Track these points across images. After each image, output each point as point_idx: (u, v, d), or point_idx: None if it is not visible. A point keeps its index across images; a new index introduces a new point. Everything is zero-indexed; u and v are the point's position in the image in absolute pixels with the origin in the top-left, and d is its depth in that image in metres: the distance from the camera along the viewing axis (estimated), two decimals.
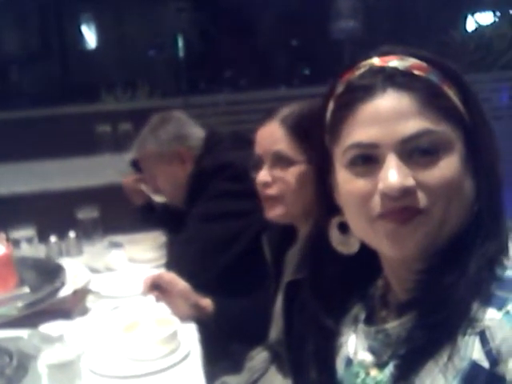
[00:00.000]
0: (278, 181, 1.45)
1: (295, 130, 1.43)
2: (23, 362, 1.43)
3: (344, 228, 0.92)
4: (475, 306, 0.77)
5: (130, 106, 3.10)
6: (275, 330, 1.59)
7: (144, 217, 2.41)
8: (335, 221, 0.93)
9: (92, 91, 3.69)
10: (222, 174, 1.92)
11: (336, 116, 0.88)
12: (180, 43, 4.34)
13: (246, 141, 1.81)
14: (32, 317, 1.42)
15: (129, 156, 2.50)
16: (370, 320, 0.95)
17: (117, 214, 2.36)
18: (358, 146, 0.83)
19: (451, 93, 0.84)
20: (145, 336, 1.48)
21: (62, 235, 2.29)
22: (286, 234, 1.56)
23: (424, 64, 0.85)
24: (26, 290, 1.37)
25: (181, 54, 4.34)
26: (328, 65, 4.41)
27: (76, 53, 4.52)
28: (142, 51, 4.42)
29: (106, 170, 2.38)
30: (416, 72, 0.84)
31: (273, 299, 1.59)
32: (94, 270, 2.07)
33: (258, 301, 1.69)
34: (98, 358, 1.46)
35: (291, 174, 1.43)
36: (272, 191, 1.47)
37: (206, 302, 1.67)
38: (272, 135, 1.47)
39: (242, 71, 4.58)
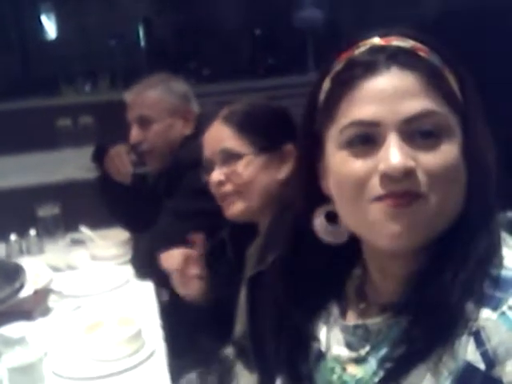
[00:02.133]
0: (230, 177, 1.47)
1: (239, 125, 1.46)
2: None
3: (331, 217, 0.88)
4: (469, 305, 0.75)
5: (90, 99, 3.03)
6: (240, 325, 1.58)
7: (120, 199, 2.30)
8: (321, 210, 0.89)
9: (52, 84, 3.60)
10: (197, 171, 1.89)
11: (333, 94, 0.83)
12: (141, 32, 4.28)
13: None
14: None
15: (90, 150, 2.45)
16: (344, 313, 0.92)
17: (78, 210, 2.32)
18: (358, 124, 0.79)
19: (451, 78, 0.82)
20: (108, 336, 1.46)
21: (22, 233, 2.24)
22: (246, 229, 1.55)
23: (425, 46, 0.82)
24: None
25: (142, 43, 4.28)
26: (293, 54, 4.41)
27: (35, 44, 4.40)
28: (102, 41, 4.32)
29: (66, 165, 2.33)
30: (419, 52, 0.81)
31: (236, 294, 1.59)
32: (55, 269, 2.03)
33: (223, 298, 1.69)
34: (60, 360, 1.44)
35: (242, 167, 1.45)
36: (227, 188, 1.48)
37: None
38: (217, 135, 1.50)
39: (205, 61, 4.54)
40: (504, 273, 0.77)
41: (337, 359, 0.89)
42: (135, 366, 1.41)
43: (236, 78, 3.83)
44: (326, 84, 0.85)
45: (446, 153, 0.78)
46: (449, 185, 0.78)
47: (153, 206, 2.08)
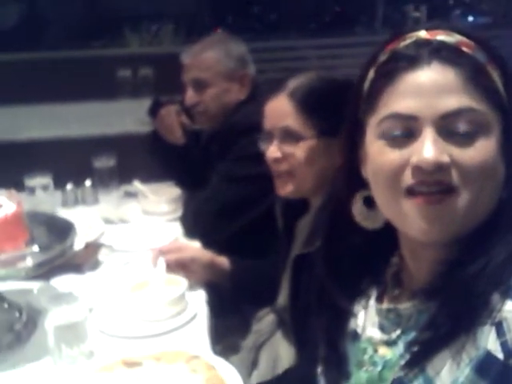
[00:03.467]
0: (288, 157, 1.44)
1: (304, 105, 1.41)
2: (33, 318, 1.46)
3: (369, 203, 0.90)
4: (495, 296, 0.76)
5: (152, 50, 3.04)
6: (283, 297, 1.60)
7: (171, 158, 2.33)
8: (360, 195, 0.91)
9: (117, 28, 3.62)
10: (250, 136, 1.88)
11: (376, 85, 0.85)
12: None
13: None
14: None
15: (148, 102, 2.47)
16: (381, 297, 0.95)
17: (133, 163, 2.35)
18: (396, 116, 0.81)
19: (494, 74, 0.82)
20: (154, 297, 1.49)
21: (78, 183, 2.30)
22: (297, 203, 1.54)
23: (471, 42, 0.83)
24: (36, 248, 1.38)
25: None
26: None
27: None
28: None
29: (124, 116, 2.35)
30: (463, 48, 0.82)
31: (283, 266, 1.59)
32: (108, 221, 2.09)
33: (270, 264, 1.70)
34: (106, 318, 1.48)
35: (301, 150, 1.41)
36: (282, 167, 1.46)
37: (222, 260, 1.69)
38: (280, 110, 1.45)
39: (271, 6, 4.44)
40: None
41: (370, 340, 0.93)
42: (177, 328, 1.44)
43: (302, 25, 3.68)
44: (371, 73, 0.87)
45: (482, 149, 0.79)
46: (483, 181, 0.79)
47: (205, 166, 2.10)
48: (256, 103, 1.98)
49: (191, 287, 1.58)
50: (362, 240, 0.94)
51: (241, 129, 1.91)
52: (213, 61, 2.08)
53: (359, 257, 0.96)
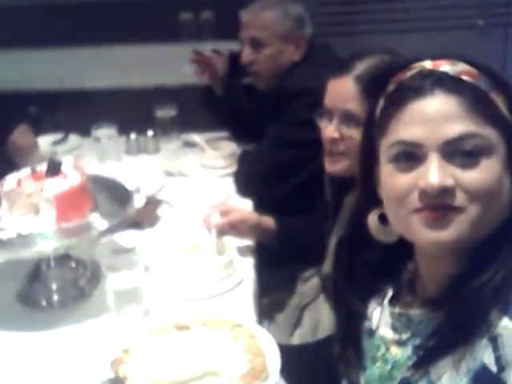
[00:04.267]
0: (346, 139, 1.45)
1: (369, 90, 1.39)
2: (96, 273, 1.61)
3: (384, 219, 0.97)
4: (494, 312, 0.83)
5: None
6: (327, 264, 1.68)
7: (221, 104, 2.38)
8: (376, 212, 0.98)
9: None
10: (303, 100, 1.91)
11: (385, 113, 0.93)
12: None
13: (334, 62, 1.78)
14: None
15: (209, 48, 2.52)
16: (395, 300, 1.03)
17: (193, 113, 2.44)
18: (403, 143, 0.88)
19: (499, 100, 0.87)
20: (205, 260, 1.61)
21: (141, 132, 2.41)
22: (346, 179, 1.57)
23: (474, 70, 0.88)
24: (99, 217, 1.51)
25: None
26: None
27: None
28: None
29: (185, 64, 2.40)
30: (465, 77, 0.87)
31: (329, 233, 1.66)
32: (168, 174, 2.21)
33: (315, 225, 1.77)
34: (160, 278, 1.61)
35: (360, 135, 1.43)
36: (339, 148, 1.47)
37: (268, 221, 1.78)
38: (344, 92, 1.44)
39: None
40: None
41: (383, 339, 1.01)
42: (224, 293, 1.56)
43: None
44: (381, 102, 0.94)
45: (486, 170, 0.84)
46: (488, 200, 0.85)
47: (260, 122, 2.15)
48: (310, 66, 2.02)
49: (240, 252, 1.69)
50: (379, 251, 1.02)
51: (294, 92, 1.95)
52: (270, 20, 2.10)
53: (376, 264, 1.04)
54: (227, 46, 2.49)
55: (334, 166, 1.52)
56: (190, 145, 2.43)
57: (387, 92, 0.93)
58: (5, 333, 1.46)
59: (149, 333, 1.37)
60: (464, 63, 0.89)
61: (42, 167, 1.53)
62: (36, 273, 1.58)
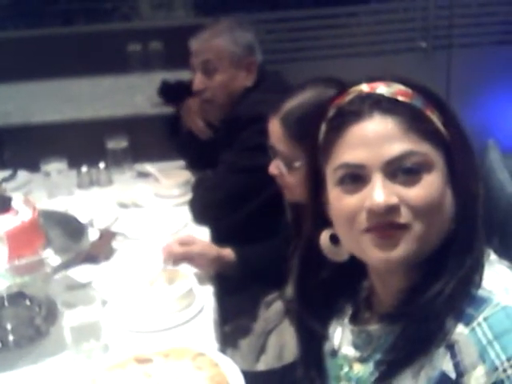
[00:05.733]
0: (284, 176, 1.50)
1: (293, 132, 1.44)
2: (52, 311, 1.57)
3: (335, 239, 0.99)
4: (449, 320, 0.85)
5: (162, 24, 3.06)
6: (291, 287, 1.67)
7: (181, 144, 2.41)
8: (326, 232, 1.00)
9: None
10: (255, 127, 1.91)
11: (327, 138, 0.95)
12: None
13: (284, 88, 1.81)
14: None
15: (158, 78, 2.52)
16: (354, 318, 1.04)
17: (145, 143, 2.43)
18: (346, 166, 0.90)
19: (433, 116, 0.91)
20: (163, 291, 1.59)
21: (92, 165, 2.38)
22: None
23: (409, 90, 0.92)
24: (52, 253, 1.47)
25: None
26: None
27: None
28: None
29: (135, 94, 2.41)
30: (400, 98, 0.91)
31: (292, 255, 1.66)
32: (121, 205, 2.18)
33: (276, 249, 1.77)
34: (118, 311, 1.58)
35: (292, 177, 1.47)
36: (282, 182, 1.53)
37: (228, 253, 1.76)
38: (274, 133, 1.50)
39: None
40: (480, 292, 0.87)
41: (345, 357, 1.02)
42: (185, 322, 1.53)
43: None
44: (323, 127, 0.96)
45: (427, 186, 0.88)
46: (432, 213, 0.88)
47: (214, 150, 2.16)
48: (262, 92, 2.04)
49: (199, 280, 1.68)
50: (333, 270, 1.03)
51: (246, 119, 1.96)
52: (220, 47, 2.11)
53: (332, 284, 1.05)
54: (176, 76, 2.51)
55: (286, 195, 1.56)
56: (143, 175, 2.41)
57: (328, 117, 0.96)
58: None
59: (109, 368, 1.34)
60: (398, 83, 0.92)
61: None
62: None
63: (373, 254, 0.90)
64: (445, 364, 0.84)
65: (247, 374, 1.28)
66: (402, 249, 0.87)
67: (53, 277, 1.63)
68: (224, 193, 1.97)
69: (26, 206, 1.50)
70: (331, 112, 0.95)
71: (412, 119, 0.88)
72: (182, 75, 2.40)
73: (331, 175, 0.94)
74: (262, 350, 1.76)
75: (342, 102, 0.94)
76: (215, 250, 1.74)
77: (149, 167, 2.34)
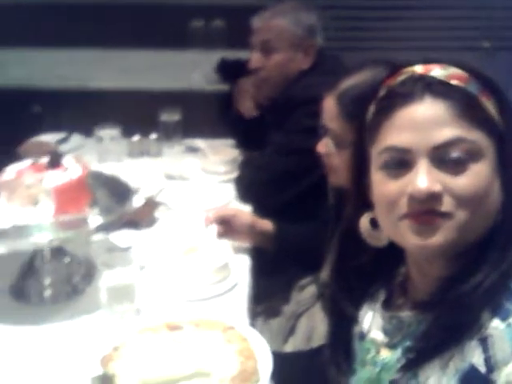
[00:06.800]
0: (331, 156, 1.48)
1: (347, 112, 1.41)
2: (90, 271, 1.60)
3: (375, 223, 0.97)
4: (485, 314, 0.83)
5: (226, 2, 3.05)
6: (326, 272, 1.67)
7: (233, 124, 2.43)
8: (367, 216, 0.98)
9: None
10: (307, 109, 1.90)
11: (375, 119, 0.93)
12: None
13: (341, 73, 1.78)
14: None
15: (218, 55, 2.53)
16: (387, 303, 1.02)
17: (197, 119, 2.44)
18: (392, 149, 0.88)
19: (488, 103, 0.88)
20: (200, 262, 1.60)
21: (144, 135, 2.41)
22: None
23: (465, 74, 0.89)
24: (97, 212, 1.50)
25: None
26: None
27: None
28: None
29: (192, 70, 2.41)
30: (454, 82, 0.88)
31: (330, 240, 1.65)
32: (168, 177, 2.20)
33: (314, 233, 1.76)
34: (155, 278, 1.60)
35: (339, 158, 1.44)
36: (328, 162, 1.50)
37: (266, 223, 1.77)
38: (328, 111, 1.47)
39: None
40: None
41: (373, 341, 1.00)
42: (218, 295, 1.54)
43: None
44: (372, 108, 0.94)
45: (474, 176, 0.84)
46: (476, 204, 0.85)
47: (265, 131, 2.15)
48: (318, 75, 2.02)
49: (236, 255, 1.68)
50: (371, 255, 1.01)
51: (298, 101, 1.95)
52: (281, 27, 2.10)
53: (369, 268, 1.03)
54: (236, 55, 2.51)
55: (330, 178, 1.54)
56: (192, 150, 2.43)
57: (378, 97, 0.93)
58: None
59: (140, 331, 1.35)
60: (455, 67, 0.89)
61: (44, 159, 1.52)
62: (30, 267, 1.57)
63: (410, 239, 0.87)
64: (475, 357, 0.81)
65: (275, 355, 1.28)
66: (441, 236, 0.85)
67: (94, 237, 1.67)
68: (270, 173, 1.97)
69: (77, 164, 1.53)
70: (381, 92, 0.93)
71: (464, 105, 0.85)
72: (243, 55, 2.39)
73: (376, 158, 0.91)
74: (291, 331, 1.75)
75: (393, 83, 0.91)
76: (250, 216, 1.75)
77: (198, 142, 2.36)
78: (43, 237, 1.41)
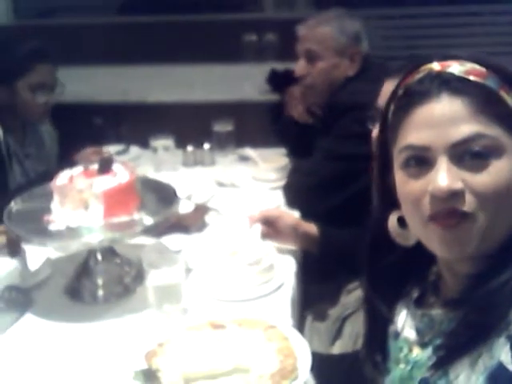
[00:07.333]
0: None
1: None
2: (141, 272, 1.65)
3: (403, 222, 0.97)
4: None
5: (277, 16, 3.12)
6: None
7: (282, 131, 2.47)
8: (394, 214, 0.98)
9: None
10: (354, 115, 1.93)
11: (395, 118, 0.93)
12: None
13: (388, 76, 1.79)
14: None
15: (269, 67, 2.58)
16: (419, 302, 1.02)
17: (249, 129, 2.49)
18: (411, 147, 0.88)
19: (508, 98, 0.86)
20: (246, 264, 1.63)
21: (197, 145, 2.48)
22: None
23: (483, 69, 0.88)
24: (144, 215, 1.56)
25: None
26: None
27: None
28: None
29: (245, 82, 2.47)
30: (472, 77, 0.87)
31: None
32: (220, 184, 2.26)
33: (360, 236, 1.76)
34: (202, 280, 1.64)
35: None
36: None
37: (310, 226, 1.78)
38: (387, 94, 1.44)
39: None
40: None
41: (406, 340, 1.01)
42: (262, 296, 1.57)
43: None
44: (392, 106, 0.94)
45: (496, 172, 0.83)
46: (499, 202, 0.84)
47: (313, 138, 2.18)
48: (364, 81, 2.03)
49: (282, 257, 1.71)
50: (402, 254, 1.01)
51: (345, 106, 1.97)
52: (326, 35, 2.13)
53: (401, 268, 1.03)
54: (288, 67, 2.54)
55: None
56: (244, 159, 2.48)
57: (396, 96, 0.94)
58: (50, 323, 1.52)
59: (185, 329, 1.40)
60: (473, 63, 0.88)
61: (95, 166, 1.60)
62: (84, 268, 1.64)
63: (436, 246, 0.88)
64: (503, 354, 0.81)
65: (322, 356, 1.29)
66: (466, 245, 0.85)
67: (147, 240, 1.74)
68: (318, 179, 1.99)
69: (126, 169, 1.59)
70: (400, 91, 0.93)
71: (483, 100, 0.84)
72: (293, 66, 2.43)
73: (397, 157, 0.92)
74: (337, 334, 1.77)
75: (410, 81, 0.91)
76: (295, 218, 1.76)
77: (249, 151, 2.40)
78: (94, 237, 1.48)
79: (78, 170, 1.60)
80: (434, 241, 0.88)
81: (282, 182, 2.20)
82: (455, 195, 0.83)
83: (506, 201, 0.84)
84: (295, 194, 2.04)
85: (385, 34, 3.04)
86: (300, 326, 1.62)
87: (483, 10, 3.14)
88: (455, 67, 0.88)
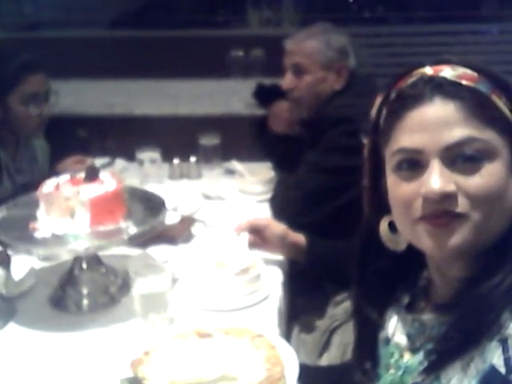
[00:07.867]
0: None
1: None
2: (126, 282, 1.64)
3: (393, 227, 0.98)
4: (505, 314, 0.83)
5: (264, 33, 3.16)
6: None
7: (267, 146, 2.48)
8: (385, 219, 0.99)
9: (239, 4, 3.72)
10: (340, 128, 1.95)
11: (387, 122, 0.94)
12: None
13: (374, 93, 1.81)
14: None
15: (255, 82, 2.59)
16: (410, 307, 1.03)
17: (235, 142, 2.50)
18: (404, 151, 0.89)
19: (500, 102, 0.88)
20: (232, 275, 1.62)
21: (184, 158, 2.48)
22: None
23: (474, 74, 0.89)
24: (131, 224, 1.55)
25: None
26: None
27: None
28: None
29: (231, 97, 2.49)
30: (464, 82, 0.88)
31: None
32: (206, 197, 2.26)
33: (349, 249, 1.77)
34: (187, 289, 1.63)
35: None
36: None
37: (298, 236, 1.77)
38: None
39: None
40: None
41: (397, 346, 1.00)
42: (249, 306, 1.56)
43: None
44: (384, 110, 0.95)
45: (488, 175, 0.84)
46: (492, 204, 0.85)
47: (300, 151, 2.19)
48: (351, 96, 2.05)
49: (268, 268, 1.70)
50: (393, 259, 1.01)
51: (332, 120, 1.98)
52: (313, 49, 2.15)
53: (391, 273, 1.04)
54: (274, 82, 2.56)
55: None
56: (230, 172, 2.47)
57: (389, 100, 0.95)
58: (34, 333, 1.50)
59: (171, 338, 1.39)
60: (464, 67, 0.90)
61: (81, 174, 1.59)
62: (69, 277, 1.63)
63: (427, 243, 0.88)
64: (495, 358, 0.81)
65: (309, 368, 1.29)
66: (457, 238, 0.85)
67: (132, 251, 1.73)
68: (304, 192, 2.00)
69: (113, 178, 1.59)
70: (392, 95, 0.94)
71: (475, 104, 0.86)
72: (280, 81, 2.45)
73: (389, 160, 0.92)
74: (325, 346, 1.76)
75: (403, 85, 0.92)
76: (282, 227, 1.75)
77: (236, 164, 2.40)
78: (80, 245, 1.47)
79: (64, 177, 1.59)
80: (423, 237, 0.88)
81: (269, 195, 2.21)
82: (448, 197, 0.84)
83: (499, 202, 0.85)
84: (281, 206, 2.05)
85: (371, 51, 3.08)
86: (287, 337, 1.61)
87: (466, 29, 3.20)
88: (447, 71, 0.89)
